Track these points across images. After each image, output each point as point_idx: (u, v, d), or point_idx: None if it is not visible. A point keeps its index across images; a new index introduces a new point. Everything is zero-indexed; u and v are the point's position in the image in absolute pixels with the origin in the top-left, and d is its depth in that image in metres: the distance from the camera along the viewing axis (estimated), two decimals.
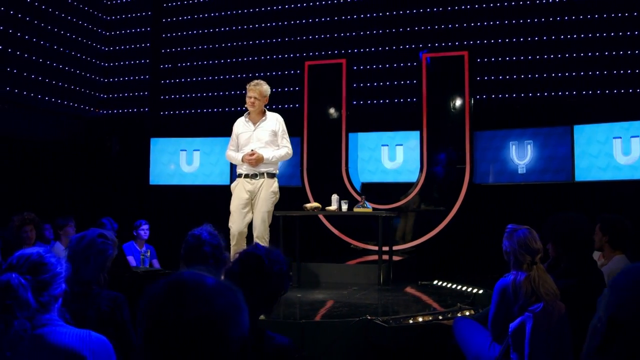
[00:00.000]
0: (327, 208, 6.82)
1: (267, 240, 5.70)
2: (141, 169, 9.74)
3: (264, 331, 2.08)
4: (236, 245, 5.63)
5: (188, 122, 10.27)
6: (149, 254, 6.93)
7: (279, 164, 6.08)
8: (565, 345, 3.46)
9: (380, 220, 6.54)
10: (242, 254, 2.18)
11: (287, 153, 5.87)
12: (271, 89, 9.20)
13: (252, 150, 5.69)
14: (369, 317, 4.43)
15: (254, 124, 5.84)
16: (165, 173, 9.79)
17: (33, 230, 6.05)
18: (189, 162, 9.72)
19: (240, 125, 5.92)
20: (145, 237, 7.37)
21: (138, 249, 7.31)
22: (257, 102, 5.76)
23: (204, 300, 1.14)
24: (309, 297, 5.74)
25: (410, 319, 4.62)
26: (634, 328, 1.14)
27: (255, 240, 5.60)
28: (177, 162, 9.73)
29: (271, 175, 5.75)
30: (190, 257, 2.93)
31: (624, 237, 4.57)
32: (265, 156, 5.66)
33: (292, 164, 9.18)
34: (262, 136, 5.77)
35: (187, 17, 10.50)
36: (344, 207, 6.70)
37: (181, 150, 9.74)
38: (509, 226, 3.71)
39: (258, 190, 5.69)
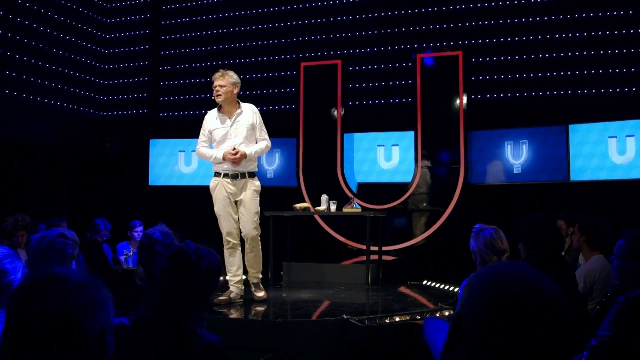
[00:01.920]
0: (316, 208, 6.85)
1: (259, 241, 5.39)
2: (141, 170, 9.83)
3: (194, 329, 2.11)
4: (232, 248, 5.31)
5: (186, 123, 10.33)
6: (132, 254, 6.97)
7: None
8: None
9: (368, 220, 6.57)
10: (171, 250, 2.22)
11: (267, 146, 5.48)
12: (268, 90, 9.24)
13: (234, 148, 5.25)
14: (345, 317, 4.46)
15: (230, 118, 5.38)
16: (164, 174, 9.87)
17: (25, 236, 6.13)
18: (188, 163, 9.80)
19: (214, 120, 5.48)
20: (139, 239, 7.40)
21: (132, 249, 7.37)
22: (223, 90, 5.30)
23: (63, 294, 1.20)
24: (293, 297, 5.78)
25: (387, 318, 4.63)
26: (473, 325, 1.16)
27: (246, 240, 5.32)
28: (176, 163, 9.81)
29: (253, 175, 5.39)
30: (144, 257, 2.98)
31: (602, 237, 4.57)
32: (247, 152, 5.25)
33: (289, 165, 9.24)
34: (241, 131, 5.33)
35: (185, 19, 10.58)
36: (333, 207, 6.74)
37: (180, 151, 9.81)
38: (476, 226, 3.72)
39: (241, 192, 5.32)
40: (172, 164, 9.83)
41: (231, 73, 5.40)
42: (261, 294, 5.34)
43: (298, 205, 6.77)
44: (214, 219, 5.56)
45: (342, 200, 7.39)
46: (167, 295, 2.10)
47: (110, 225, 7.39)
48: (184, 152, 9.80)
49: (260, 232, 5.40)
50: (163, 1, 10.73)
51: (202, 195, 9.41)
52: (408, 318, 4.68)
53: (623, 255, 2.92)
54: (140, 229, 7.46)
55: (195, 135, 9.61)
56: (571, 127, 7.96)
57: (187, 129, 9.96)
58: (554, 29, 8.54)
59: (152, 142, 9.87)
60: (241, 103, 5.46)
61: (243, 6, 10.19)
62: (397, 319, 4.64)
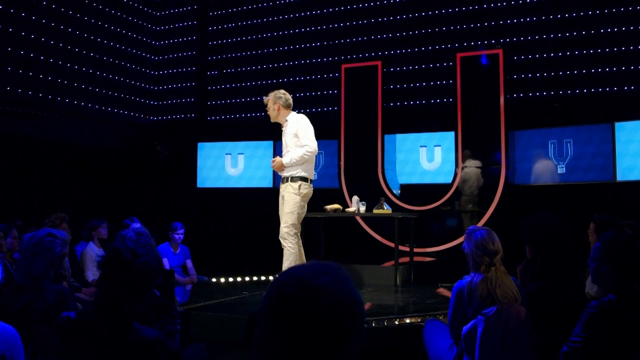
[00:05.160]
0: (346, 209, 6.87)
1: (292, 241, 5.55)
2: (189, 172, 10.12)
3: (131, 323, 2.20)
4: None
5: (233, 126, 10.57)
6: None
7: (315, 163, 5.97)
8: (522, 350, 3.36)
9: (396, 221, 6.54)
10: (109, 247, 2.32)
11: (307, 152, 5.63)
12: (310, 92, 9.43)
13: (274, 157, 5.87)
14: None
15: (282, 130, 5.89)
16: (211, 176, 10.14)
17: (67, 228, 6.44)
18: (234, 165, 10.02)
19: None
20: (179, 241, 7.63)
21: (172, 250, 7.59)
22: (269, 112, 5.85)
23: None
24: None
25: (396, 320, 4.62)
26: (261, 324, 1.18)
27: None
28: (223, 165, 10.06)
29: (293, 179, 5.64)
30: None
31: None
32: (284, 162, 5.66)
33: (332, 166, 9.31)
34: (287, 141, 5.77)
35: (230, 24, 10.82)
36: (362, 208, 6.73)
37: (226, 154, 10.05)
38: (470, 228, 3.66)
39: (283, 193, 5.70)
40: (219, 166, 10.09)
41: (275, 92, 5.86)
42: None
43: (328, 207, 6.81)
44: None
45: (386, 202, 7.36)
46: (105, 291, 2.21)
47: (140, 224, 7.51)
48: (230, 154, 10.03)
49: (289, 232, 5.55)
50: (209, 8, 11.02)
51: (248, 196, 9.71)
52: (419, 320, 4.64)
53: (597, 258, 2.82)
54: (181, 231, 7.66)
55: (241, 138, 9.95)
56: (617, 124, 7.68)
57: (233, 132, 10.22)
58: (597, 24, 8.25)
59: (199, 145, 10.16)
60: (291, 114, 5.84)
61: (285, 11, 10.34)
62: (407, 320, 4.62)
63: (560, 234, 3.86)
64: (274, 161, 5.75)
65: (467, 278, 3.55)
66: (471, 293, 3.46)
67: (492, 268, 3.48)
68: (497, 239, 3.57)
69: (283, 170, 5.69)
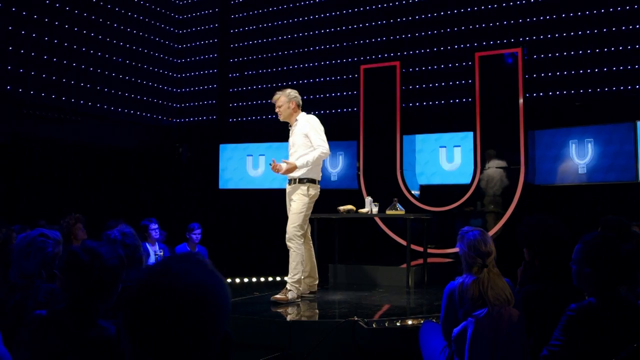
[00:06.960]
0: (359, 210, 6.86)
1: (298, 242, 5.52)
2: (211, 173, 10.23)
3: (95, 321, 2.25)
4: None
5: (254, 128, 10.65)
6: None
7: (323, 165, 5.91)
8: (514, 352, 3.32)
9: (407, 222, 6.51)
10: (67, 251, 2.37)
11: (322, 152, 5.54)
12: (330, 93, 9.41)
13: (273, 160, 5.69)
14: (356, 319, 4.47)
15: (291, 130, 5.83)
16: (233, 177, 10.23)
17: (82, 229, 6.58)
18: (255, 166, 10.09)
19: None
20: (197, 241, 7.73)
21: (190, 250, 7.69)
22: (280, 110, 5.74)
23: None
24: (325, 298, 5.83)
25: (398, 321, 4.60)
26: (122, 323, 1.18)
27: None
28: (244, 167, 10.14)
29: (301, 181, 5.59)
30: None
31: (625, 239, 4.29)
32: (298, 164, 5.53)
33: (352, 167, 9.31)
34: (296, 141, 5.68)
35: (251, 27, 10.90)
36: (375, 209, 6.71)
37: (248, 155, 10.13)
38: (463, 228, 3.63)
39: (292, 194, 5.65)
40: (240, 167, 10.18)
41: (287, 91, 5.77)
42: (277, 296, 5.44)
43: (342, 208, 6.81)
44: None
45: (402, 201, 7.33)
46: (68, 292, 2.27)
47: (157, 224, 7.53)
48: (252, 156, 10.10)
49: (296, 232, 5.51)
50: (231, 11, 11.12)
51: (269, 197, 9.75)
52: (421, 321, 4.61)
53: (578, 260, 2.77)
54: (198, 231, 7.75)
55: (262, 139, 10.02)
56: (639, 123, 7.49)
57: (254, 134, 10.30)
58: (617, 21, 8.08)
59: (221, 146, 10.27)
60: (301, 114, 5.77)
61: (304, 13, 10.37)
62: (410, 322, 4.59)
63: (558, 236, 3.80)
64: (277, 165, 5.55)
65: (459, 279, 3.53)
66: (462, 294, 3.44)
67: (485, 269, 3.44)
68: (490, 240, 3.53)
69: (279, 173, 5.57)
